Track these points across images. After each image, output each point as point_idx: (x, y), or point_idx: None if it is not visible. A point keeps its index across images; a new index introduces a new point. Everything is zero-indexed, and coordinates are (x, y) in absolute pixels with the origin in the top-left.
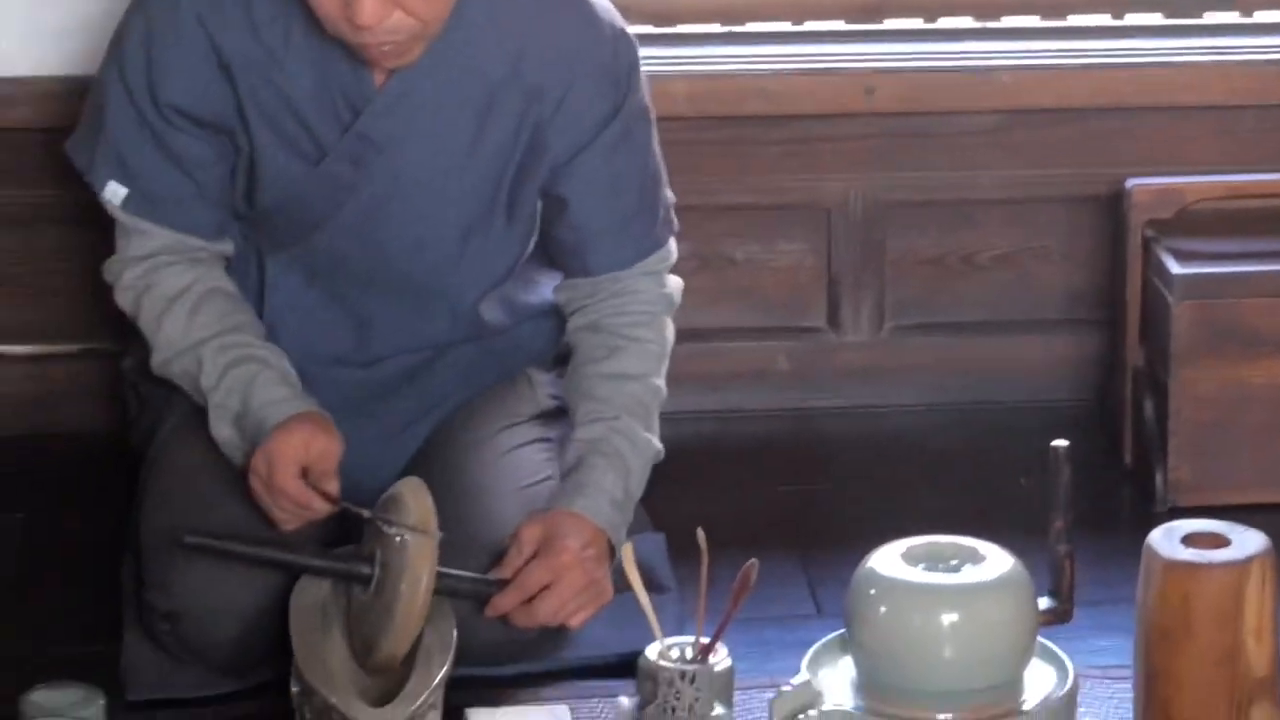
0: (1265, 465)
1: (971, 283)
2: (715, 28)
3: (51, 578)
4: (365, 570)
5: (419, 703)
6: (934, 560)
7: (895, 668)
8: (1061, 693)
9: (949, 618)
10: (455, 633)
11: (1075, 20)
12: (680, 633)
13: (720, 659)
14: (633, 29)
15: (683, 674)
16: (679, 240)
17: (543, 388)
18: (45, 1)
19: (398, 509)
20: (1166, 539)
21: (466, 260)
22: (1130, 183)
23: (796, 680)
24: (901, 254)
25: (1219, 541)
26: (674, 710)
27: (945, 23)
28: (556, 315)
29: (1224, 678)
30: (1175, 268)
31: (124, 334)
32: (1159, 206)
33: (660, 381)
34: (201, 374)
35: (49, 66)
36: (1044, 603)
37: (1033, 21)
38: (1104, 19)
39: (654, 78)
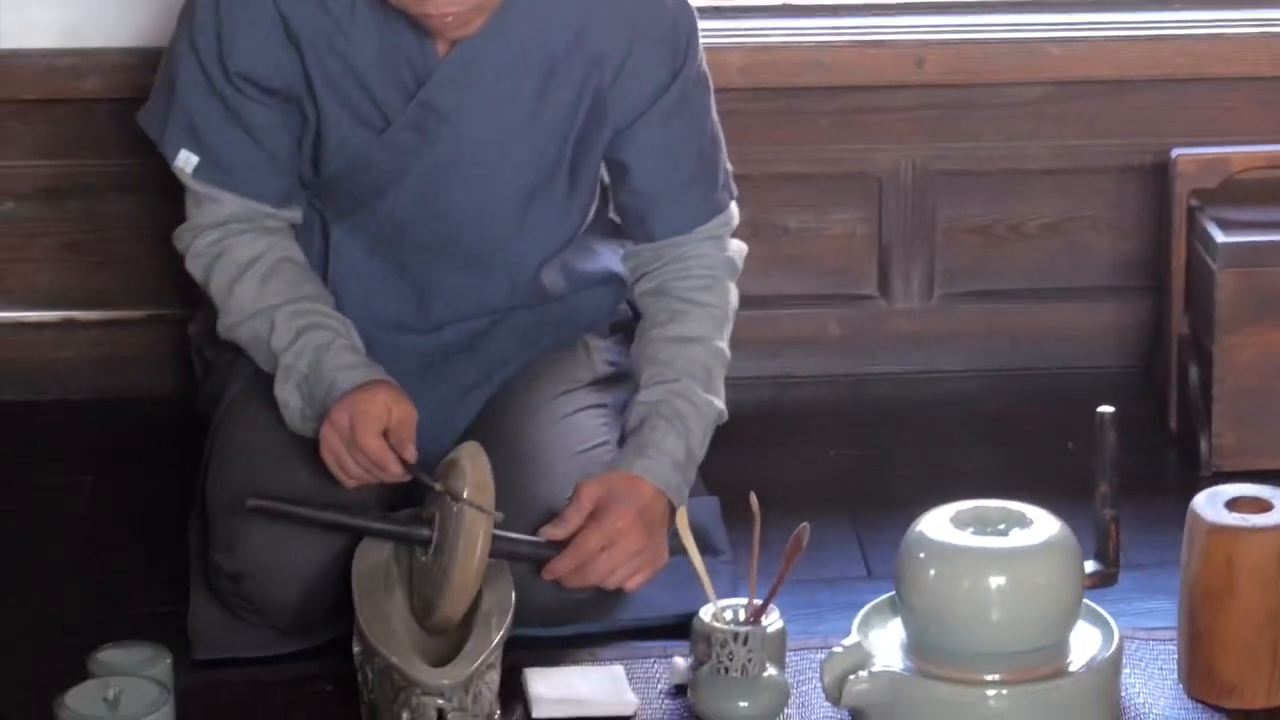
0: None
1: (1019, 251)
2: (769, 0)
3: (120, 539)
4: (424, 533)
5: (478, 663)
6: (982, 524)
7: (944, 630)
8: (1107, 654)
9: (996, 581)
10: (513, 595)
11: None
12: (734, 595)
13: (772, 620)
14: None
15: (736, 635)
16: None
17: (599, 354)
18: None
19: (457, 473)
20: (1210, 503)
21: (527, 227)
22: (1175, 153)
23: (847, 641)
24: (951, 223)
25: (1262, 506)
26: (727, 670)
27: None
28: (614, 284)
29: (1266, 639)
30: (1219, 236)
31: (191, 300)
32: (1204, 176)
33: (722, 344)
34: (273, 335)
35: (119, 39)
36: (1090, 566)
37: None
38: None
39: (709, 50)
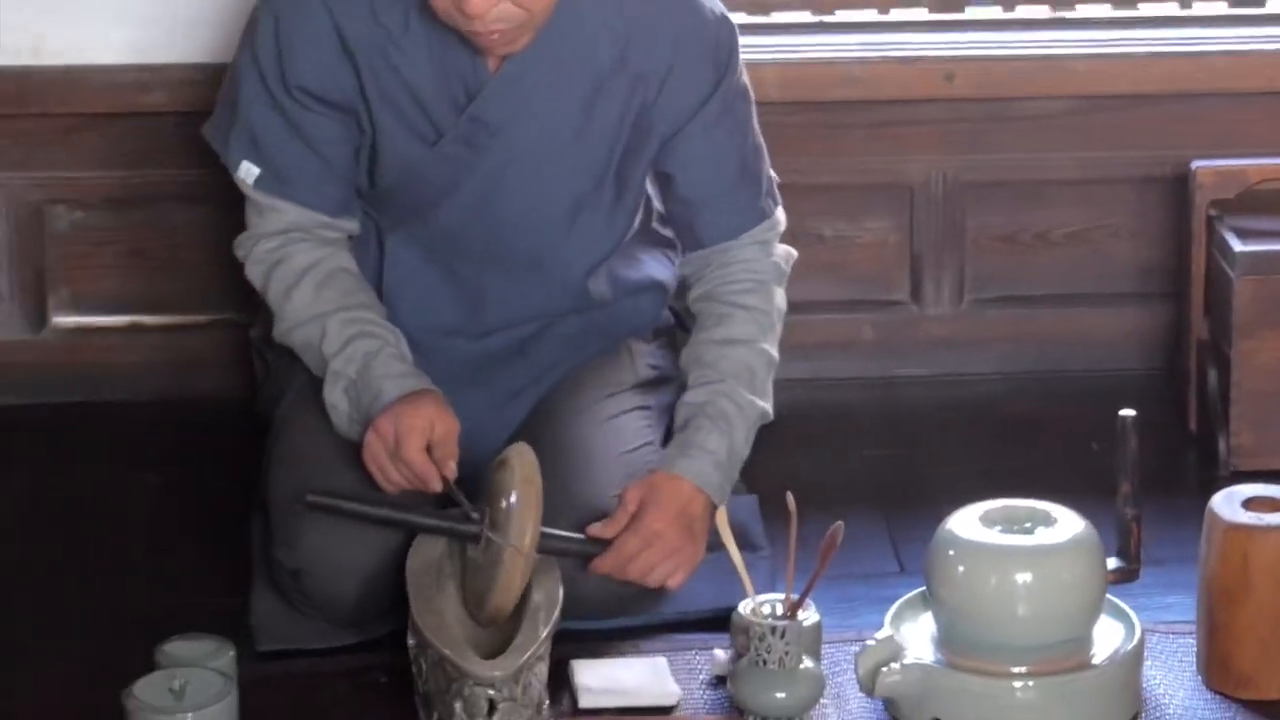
0: None
1: (1045, 259)
2: (805, 16)
3: (185, 535)
4: (475, 529)
5: (528, 655)
6: (1009, 523)
7: (972, 624)
8: (1129, 647)
9: (1023, 577)
10: (561, 590)
11: (1145, 10)
12: (771, 590)
13: (809, 615)
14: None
15: (773, 629)
16: None
17: (642, 358)
18: None
19: (506, 472)
20: (1227, 502)
21: (575, 235)
22: (1195, 164)
23: (880, 635)
24: (980, 231)
25: (1277, 505)
26: (765, 662)
27: (1022, 12)
28: (657, 291)
29: None
30: (1237, 245)
31: (252, 306)
32: (1222, 187)
33: (768, 346)
34: (324, 341)
35: (183, 54)
36: (1113, 562)
37: (1104, 11)
38: (1171, 8)
39: (748, 65)
